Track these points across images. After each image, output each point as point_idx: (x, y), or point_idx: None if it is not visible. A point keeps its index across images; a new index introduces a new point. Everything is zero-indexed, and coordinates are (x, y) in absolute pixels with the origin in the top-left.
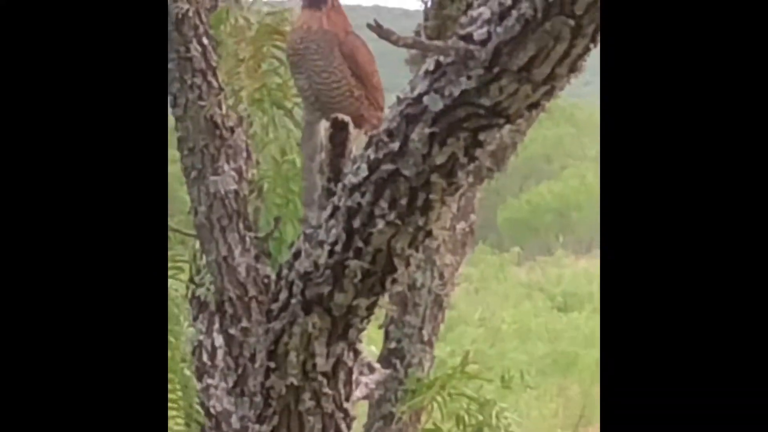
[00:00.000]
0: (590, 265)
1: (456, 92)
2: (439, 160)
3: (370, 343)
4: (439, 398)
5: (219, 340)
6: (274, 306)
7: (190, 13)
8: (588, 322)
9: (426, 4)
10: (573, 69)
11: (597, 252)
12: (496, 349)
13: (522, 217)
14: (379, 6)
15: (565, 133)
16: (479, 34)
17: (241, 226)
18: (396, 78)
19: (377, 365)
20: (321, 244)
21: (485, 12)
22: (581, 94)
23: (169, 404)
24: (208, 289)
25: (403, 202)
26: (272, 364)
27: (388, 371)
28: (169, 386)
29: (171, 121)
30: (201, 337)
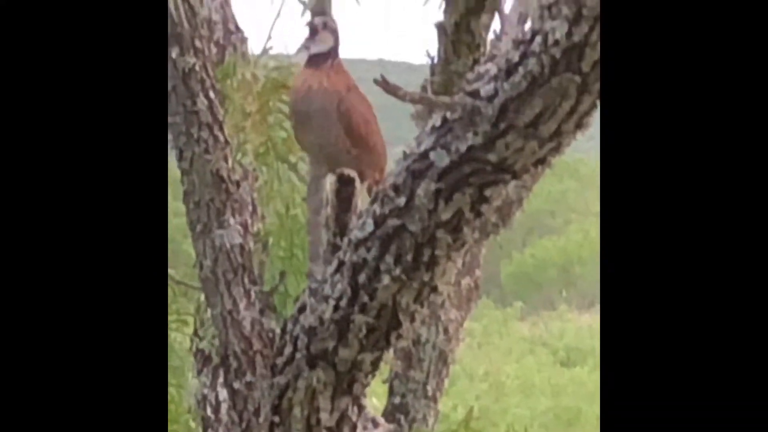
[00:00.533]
0: (593, 320)
1: (462, 148)
2: (445, 215)
3: (374, 397)
4: None
5: (223, 393)
6: (279, 360)
7: (197, 67)
8: (591, 377)
9: (432, 59)
10: (579, 125)
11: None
12: (499, 404)
13: (525, 271)
14: (384, 60)
15: (569, 188)
16: (486, 90)
17: (246, 279)
18: (400, 131)
19: (381, 420)
20: (326, 298)
21: (492, 68)
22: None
23: None
24: (212, 343)
25: (409, 257)
26: (276, 419)
27: (392, 426)
28: None
29: (176, 173)
30: (205, 391)
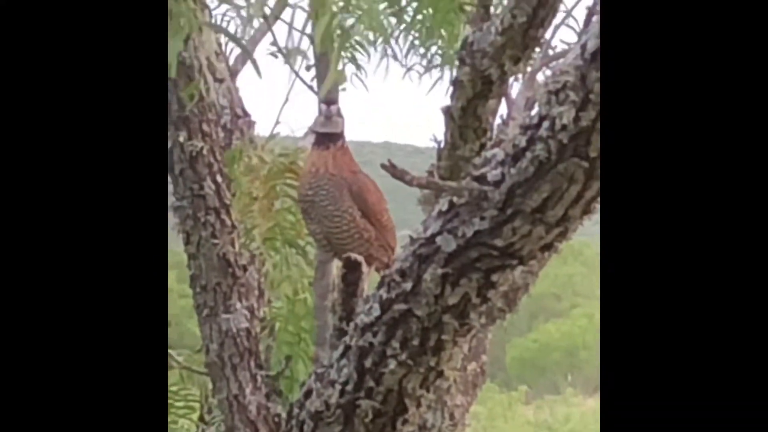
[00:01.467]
0: (598, 405)
1: (469, 233)
2: (452, 300)
3: None
4: None
5: None
6: None
7: (205, 151)
8: None
9: (439, 143)
10: (586, 211)
11: None
12: None
13: (530, 356)
14: (390, 142)
15: (575, 272)
16: (493, 175)
17: (252, 364)
18: (406, 214)
19: None
20: (332, 383)
21: (499, 153)
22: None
23: None
24: (219, 429)
25: (415, 342)
26: None
27: None
28: None
29: (182, 256)
30: None
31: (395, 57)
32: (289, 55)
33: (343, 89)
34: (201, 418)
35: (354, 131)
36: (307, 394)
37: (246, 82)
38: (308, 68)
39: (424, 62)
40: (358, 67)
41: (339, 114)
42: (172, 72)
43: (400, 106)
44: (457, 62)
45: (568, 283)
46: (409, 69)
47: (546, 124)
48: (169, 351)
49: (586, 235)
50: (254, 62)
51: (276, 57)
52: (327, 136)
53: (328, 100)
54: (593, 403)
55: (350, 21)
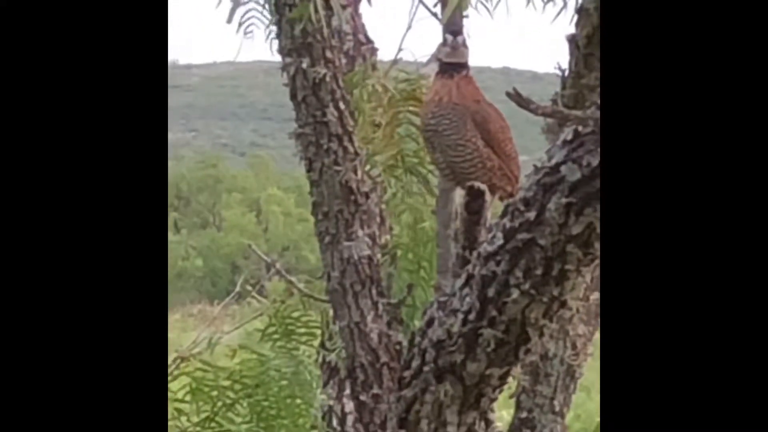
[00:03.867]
0: None
1: (594, 162)
2: (576, 230)
3: (504, 411)
4: None
5: (349, 406)
6: (406, 373)
7: (327, 78)
8: None
9: (563, 72)
10: None
11: None
12: None
13: None
14: (509, 68)
15: None
16: None
17: (374, 292)
18: (526, 141)
19: None
20: (455, 312)
21: None
22: None
23: None
24: (339, 356)
25: (539, 271)
26: None
27: None
28: None
29: (303, 181)
30: (331, 403)
31: None
32: None
33: (466, 16)
34: (322, 345)
35: (473, 57)
36: (429, 323)
37: (368, 8)
38: None
39: None
40: None
41: (464, 44)
42: None
43: (519, 32)
44: None
45: None
46: None
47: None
48: (290, 278)
49: None
50: None
51: None
52: (451, 66)
53: (454, 30)
54: None
55: None
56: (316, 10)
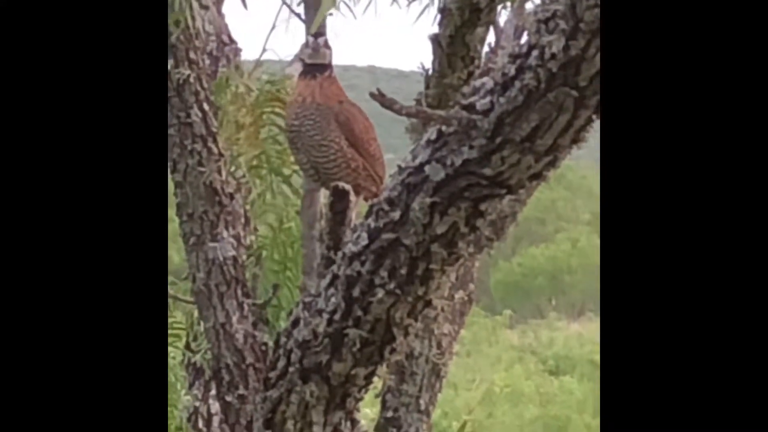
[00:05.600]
0: (582, 329)
1: (458, 162)
2: (440, 229)
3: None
4: None
5: (215, 407)
6: (272, 374)
7: (191, 79)
8: (580, 386)
9: (426, 71)
10: (576, 140)
11: (590, 315)
12: (487, 413)
13: (514, 280)
14: (374, 66)
15: (559, 197)
16: (482, 104)
17: (239, 292)
18: (391, 139)
19: None
20: (320, 312)
21: (488, 82)
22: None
23: None
24: (205, 357)
25: (403, 271)
26: None
27: None
28: None
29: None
30: (197, 404)
31: None
32: None
33: (330, 14)
34: (187, 346)
35: (338, 55)
36: (295, 323)
37: (231, 8)
38: None
39: None
40: None
41: (326, 45)
42: None
43: (385, 31)
44: None
45: (551, 207)
46: None
47: (535, 53)
48: None
49: (571, 159)
50: None
51: None
52: (314, 67)
53: (316, 32)
54: (577, 327)
55: None
56: (193, 17)
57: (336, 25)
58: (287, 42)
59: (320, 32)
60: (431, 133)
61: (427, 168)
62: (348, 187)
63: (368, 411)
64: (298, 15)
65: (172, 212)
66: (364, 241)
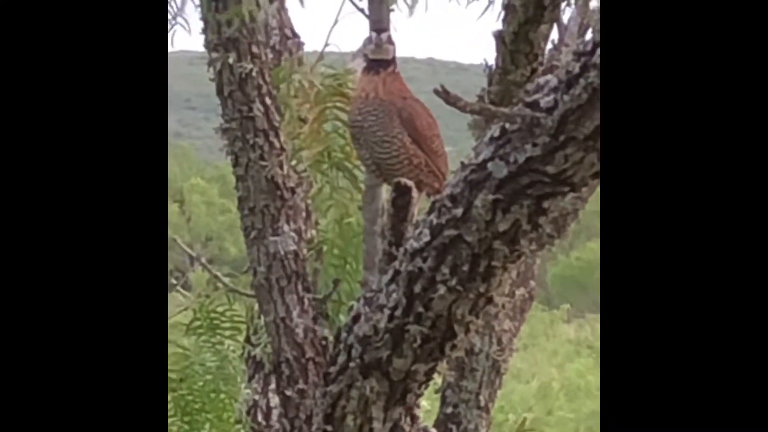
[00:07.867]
0: None
1: (521, 159)
2: (502, 227)
3: (425, 409)
4: None
5: (275, 400)
6: (332, 369)
7: (254, 73)
8: None
9: (489, 67)
10: None
11: None
12: (544, 407)
13: (572, 274)
14: (433, 59)
15: None
16: (546, 101)
17: (299, 287)
18: (449, 132)
19: (434, 430)
20: (381, 308)
21: (552, 80)
22: None
23: None
24: (265, 350)
25: (465, 268)
26: (329, 428)
27: None
28: None
29: (229, 175)
30: (256, 397)
31: None
32: None
33: (392, 10)
34: (247, 339)
35: (397, 47)
36: (356, 319)
37: (295, 2)
38: None
39: None
40: None
41: (390, 41)
42: None
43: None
44: None
45: None
46: None
47: (600, 51)
48: (216, 273)
49: None
50: None
51: None
52: (377, 62)
53: (379, 28)
54: None
55: None
56: (258, 6)
57: (395, 20)
58: (350, 37)
59: (383, 27)
60: (494, 130)
61: (490, 165)
62: (410, 183)
63: (425, 403)
64: (361, 10)
65: (230, 204)
66: (426, 238)
